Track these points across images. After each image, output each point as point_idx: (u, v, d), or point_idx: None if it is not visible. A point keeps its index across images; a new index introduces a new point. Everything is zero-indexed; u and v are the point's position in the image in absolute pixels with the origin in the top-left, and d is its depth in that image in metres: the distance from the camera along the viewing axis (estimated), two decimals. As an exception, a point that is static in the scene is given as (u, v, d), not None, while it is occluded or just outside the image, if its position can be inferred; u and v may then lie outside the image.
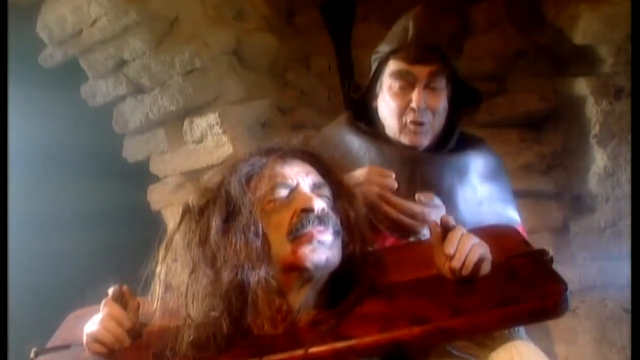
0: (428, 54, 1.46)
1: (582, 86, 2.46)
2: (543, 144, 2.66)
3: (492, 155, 1.62)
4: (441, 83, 1.48)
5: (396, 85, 1.49)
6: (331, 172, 1.19)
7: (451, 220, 1.11)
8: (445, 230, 1.10)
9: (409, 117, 1.48)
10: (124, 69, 2.55)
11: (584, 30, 2.36)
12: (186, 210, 1.14)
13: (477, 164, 1.55)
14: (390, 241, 1.42)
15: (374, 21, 2.94)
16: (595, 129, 2.44)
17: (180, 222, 1.14)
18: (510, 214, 1.57)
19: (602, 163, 2.44)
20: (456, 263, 1.05)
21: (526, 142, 2.66)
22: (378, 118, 1.58)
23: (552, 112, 2.67)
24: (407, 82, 1.48)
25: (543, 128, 2.70)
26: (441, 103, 1.49)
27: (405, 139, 1.51)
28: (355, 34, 2.94)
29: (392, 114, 1.51)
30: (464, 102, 1.56)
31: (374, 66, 1.58)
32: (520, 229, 1.52)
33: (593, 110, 2.43)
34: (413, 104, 1.46)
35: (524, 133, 2.68)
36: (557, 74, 2.66)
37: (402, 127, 1.50)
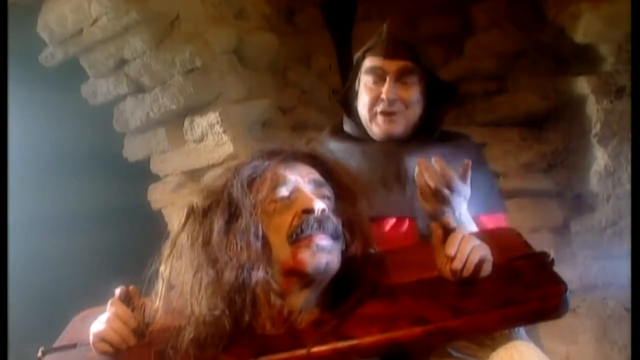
0: (399, 50, 1.57)
1: (582, 85, 2.46)
2: (544, 143, 2.66)
3: (472, 145, 1.69)
4: (412, 78, 1.58)
5: (370, 80, 1.60)
6: (333, 174, 1.20)
7: (452, 222, 1.11)
8: (446, 232, 1.10)
9: (379, 107, 1.58)
10: (124, 68, 2.54)
11: (585, 29, 2.36)
12: (190, 212, 1.15)
13: (457, 155, 1.55)
14: (389, 223, 1.49)
15: (375, 20, 2.92)
16: (596, 128, 2.43)
17: (185, 223, 1.15)
18: (493, 201, 1.61)
19: (602, 162, 2.44)
20: (457, 264, 1.06)
21: (527, 141, 2.66)
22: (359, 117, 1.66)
23: (552, 111, 2.67)
24: (378, 76, 1.59)
25: (544, 127, 2.70)
26: (413, 96, 1.58)
27: (376, 129, 1.60)
28: (355, 33, 2.93)
29: (364, 106, 1.61)
30: (444, 98, 1.65)
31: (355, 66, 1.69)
32: (500, 217, 1.58)
33: (594, 109, 2.43)
34: (383, 95, 1.56)
35: (524, 132, 2.69)
36: (558, 73, 2.66)
37: (373, 117, 1.60)
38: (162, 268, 1.14)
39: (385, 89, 1.56)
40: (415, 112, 1.60)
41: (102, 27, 2.40)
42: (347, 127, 1.71)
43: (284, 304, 1.09)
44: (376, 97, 1.58)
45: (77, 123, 2.83)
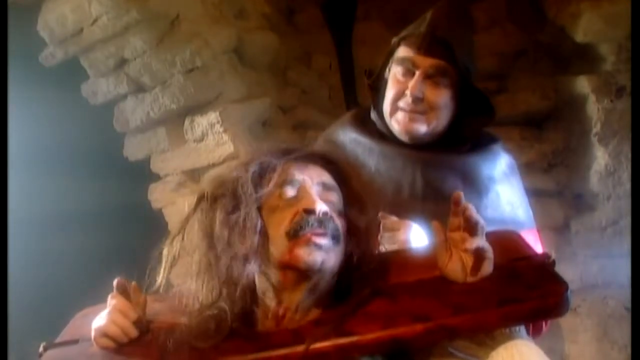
0: (435, 47, 1.44)
1: (583, 84, 2.46)
2: (544, 142, 2.65)
3: (502, 156, 1.57)
4: (444, 80, 1.45)
5: (399, 71, 1.49)
6: (345, 179, 1.20)
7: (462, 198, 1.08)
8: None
9: (401, 103, 1.47)
10: (124, 68, 2.54)
11: (585, 28, 2.36)
12: (200, 199, 1.17)
13: (484, 166, 1.51)
14: None
15: (375, 19, 2.94)
16: (596, 127, 2.43)
17: (195, 208, 1.17)
18: (520, 218, 1.52)
19: (603, 161, 2.44)
20: (459, 263, 1.06)
21: (527, 140, 2.65)
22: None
23: (553, 110, 2.66)
24: (408, 70, 1.47)
25: (544, 126, 2.70)
26: (441, 99, 1.46)
27: (395, 125, 1.50)
28: (356, 33, 2.94)
29: (388, 98, 1.51)
30: (477, 110, 1.53)
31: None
32: (531, 232, 1.49)
33: (594, 109, 2.42)
34: (408, 91, 1.45)
35: (525, 131, 2.68)
36: (558, 72, 2.66)
37: (394, 112, 1.50)
38: (165, 250, 1.15)
39: (411, 84, 1.45)
40: (440, 116, 1.48)
41: (103, 26, 2.39)
42: (374, 115, 1.60)
43: (280, 300, 1.10)
44: (401, 90, 1.47)
45: (77, 123, 2.82)
